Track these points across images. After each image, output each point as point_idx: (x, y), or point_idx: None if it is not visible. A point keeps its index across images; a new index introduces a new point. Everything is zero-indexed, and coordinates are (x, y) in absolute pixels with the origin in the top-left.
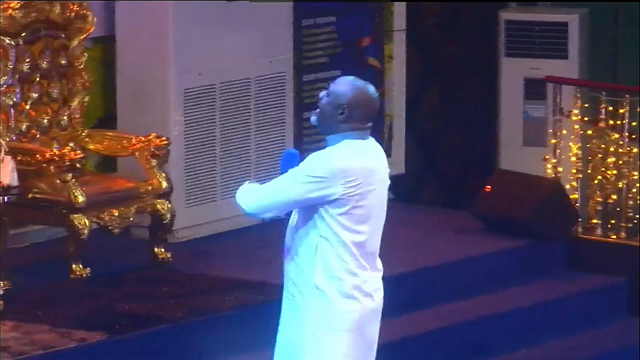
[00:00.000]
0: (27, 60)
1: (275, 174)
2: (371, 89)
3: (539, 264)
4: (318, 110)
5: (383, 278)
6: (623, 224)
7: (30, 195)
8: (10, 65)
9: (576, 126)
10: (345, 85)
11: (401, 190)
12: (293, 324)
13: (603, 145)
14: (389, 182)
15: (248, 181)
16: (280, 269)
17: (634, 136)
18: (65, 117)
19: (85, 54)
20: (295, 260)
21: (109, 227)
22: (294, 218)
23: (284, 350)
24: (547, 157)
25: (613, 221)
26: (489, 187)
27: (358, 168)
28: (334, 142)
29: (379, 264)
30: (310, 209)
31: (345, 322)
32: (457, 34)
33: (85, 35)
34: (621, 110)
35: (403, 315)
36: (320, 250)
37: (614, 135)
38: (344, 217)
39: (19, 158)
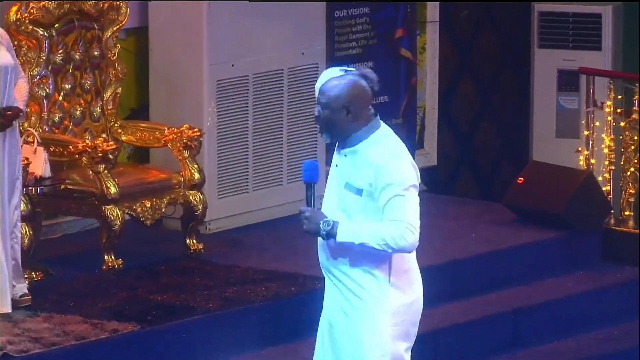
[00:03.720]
0: (61, 51)
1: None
2: (356, 76)
3: (572, 256)
4: (323, 127)
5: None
6: None
7: (63, 187)
8: (44, 56)
9: (609, 118)
10: (335, 88)
11: (434, 182)
12: (351, 328)
13: (636, 137)
14: None
15: (353, 229)
16: (313, 259)
17: None
18: (98, 109)
19: (118, 45)
20: (361, 266)
21: (142, 219)
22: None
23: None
24: (580, 148)
25: None
26: (522, 178)
27: (406, 150)
28: (360, 139)
29: None
30: (378, 211)
31: (414, 311)
32: (491, 26)
33: (118, 27)
34: None
35: (438, 306)
36: None
37: None
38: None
39: (52, 149)
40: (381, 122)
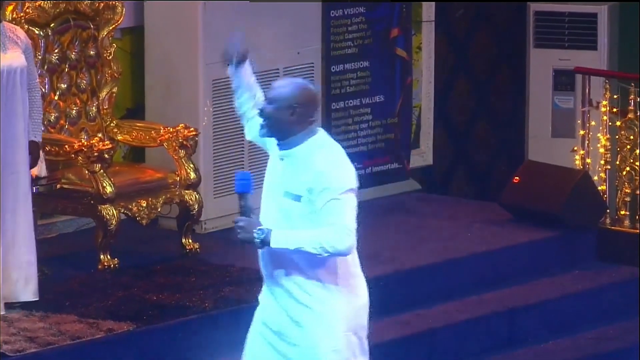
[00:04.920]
0: (56, 50)
1: None
2: (311, 85)
3: (568, 255)
4: (265, 122)
5: (412, 269)
6: None
7: (59, 186)
8: (40, 55)
9: (605, 117)
10: (288, 86)
11: (430, 182)
12: (296, 338)
13: (632, 137)
14: None
15: (282, 234)
16: None
17: None
18: (94, 108)
19: (114, 44)
20: (308, 273)
21: (138, 218)
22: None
23: None
24: (576, 148)
25: None
26: (518, 178)
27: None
28: (299, 141)
29: None
30: (316, 217)
31: (364, 314)
32: (486, 25)
33: (114, 26)
34: None
35: (432, 306)
36: None
37: None
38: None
39: (47, 149)
40: (319, 129)
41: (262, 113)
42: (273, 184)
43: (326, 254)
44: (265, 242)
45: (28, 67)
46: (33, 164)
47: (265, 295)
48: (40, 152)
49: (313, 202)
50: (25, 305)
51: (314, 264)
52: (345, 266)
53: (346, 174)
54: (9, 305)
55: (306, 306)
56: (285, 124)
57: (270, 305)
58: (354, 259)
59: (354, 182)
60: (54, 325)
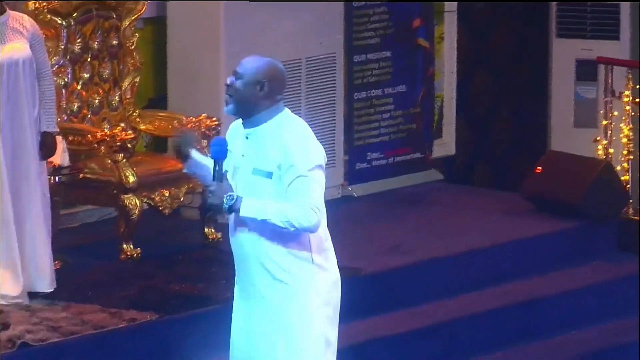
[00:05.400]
0: (79, 40)
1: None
2: (279, 63)
3: (589, 246)
4: (232, 96)
5: (433, 259)
6: None
7: (81, 176)
8: (62, 45)
9: (627, 107)
10: (255, 62)
11: (452, 172)
12: (272, 314)
13: None
14: None
15: (255, 201)
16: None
17: None
18: (116, 98)
19: (136, 34)
20: (284, 248)
21: (160, 208)
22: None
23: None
24: (598, 138)
25: None
26: (540, 168)
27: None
28: (265, 119)
29: None
30: (284, 194)
31: (337, 290)
32: (509, 15)
33: (136, 16)
34: None
35: (453, 297)
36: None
37: None
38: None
39: (70, 138)
40: (285, 107)
41: (230, 88)
42: (240, 164)
43: (292, 229)
44: (233, 209)
45: (37, 57)
46: (48, 154)
47: (239, 276)
48: (63, 141)
49: (282, 178)
50: (48, 295)
51: (288, 238)
52: (319, 240)
53: (313, 150)
54: (32, 295)
55: (280, 281)
56: (253, 99)
57: (245, 285)
58: (325, 235)
59: (321, 159)
60: (76, 315)
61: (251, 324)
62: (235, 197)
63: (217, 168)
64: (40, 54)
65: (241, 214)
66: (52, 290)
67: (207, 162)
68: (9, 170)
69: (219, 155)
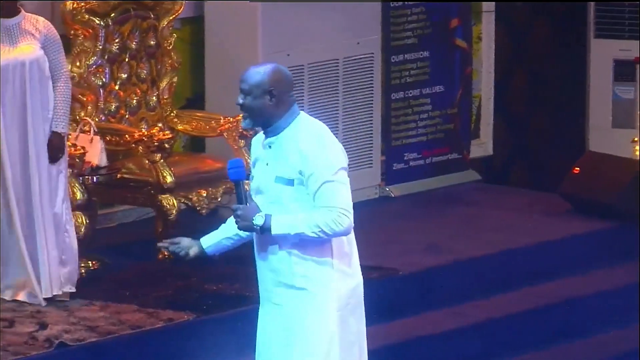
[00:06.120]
0: (117, 40)
1: (361, 154)
2: (279, 65)
3: (627, 246)
4: (246, 114)
5: (470, 259)
6: None
7: (119, 176)
8: (100, 45)
9: None
10: (256, 74)
11: (489, 172)
12: (292, 320)
13: None
14: None
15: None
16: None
17: None
18: (154, 98)
19: (174, 34)
20: (302, 254)
21: (197, 208)
22: (272, 212)
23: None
24: (636, 139)
25: None
26: (578, 168)
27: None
28: (283, 126)
29: None
30: (306, 196)
31: (358, 294)
32: (547, 15)
33: (174, 16)
34: None
35: (490, 297)
36: None
37: None
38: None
39: (108, 138)
40: (301, 111)
41: (242, 107)
42: (262, 173)
43: (325, 237)
44: (265, 229)
45: (50, 59)
46: (57, 155)
47: (260, 281)
48: (101, 141)
49: (306, 185)
50: (86, 295)
51: (309, 245)
52: (341, 245)
53: (333, 153)
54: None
55: (299, 288)
56: (266, 110)
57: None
58: (349, 239)
59: (343, 160)
60: (113, 315)
61: (269, 328)
62: (264, 217)
63: (239, 190)
64: (55, 56)
65: (273, 232)
66: (61, 292)
67: (218, 234)
68: (16, 171)
69: (239, 176)
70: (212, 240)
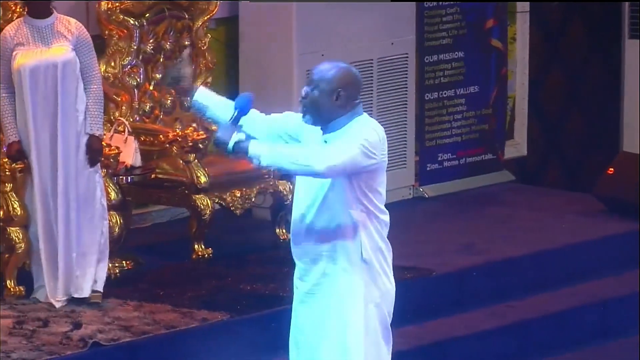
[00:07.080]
0: (151, 41)
1: (395, 154)
2: (352, 67)
3: None
4: (308, 108)
5: (505, 260)
6: None
7: (153, 176)
8: (134, 45)
9: None
10: (329, 70)
11: (524, 172)
12: (321, 308)
13: None
14: None
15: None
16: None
17: None
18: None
19: (208, 35)
20: (332, 241)
21: (232, 208)
22: (309, 203)
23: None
24: None
25: None
26: (612, 169)
27: (384, 139)
28: (342, 124)
29: None
30: (343, 186)
31: (391, 295)
32: (581, 16)
33: (209, 17)
34: None
35: (525, 298)
36: (363, 224)
37: None
38: (381, 187)
39: (142, 138)
40: (363, 112)
41: (304, 99)
42: None
43: (299, 168)
44: (240, 147)
45: (82, 60)
46: (97, 157)
47: (298, 271)
48: (135, 141)
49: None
50: (120, 295)
51: (340, 235)
52: (370, 238)
53: (367, 133)
54: (104, 295)
55: (331, 277)
56: (329, 108)
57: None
58: (381, 235)
59: (373, 142)
60: (148, 315)
61: (302, 316)
62: (245, 137)
63: (235, 115)
64: (86, 57)
65: (250, 152)
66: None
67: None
68: (46, 172)
69: (243, 108)
70: (207, 97)
